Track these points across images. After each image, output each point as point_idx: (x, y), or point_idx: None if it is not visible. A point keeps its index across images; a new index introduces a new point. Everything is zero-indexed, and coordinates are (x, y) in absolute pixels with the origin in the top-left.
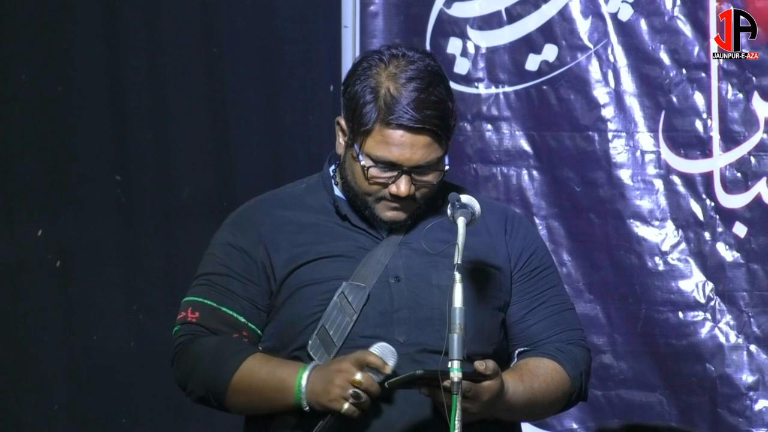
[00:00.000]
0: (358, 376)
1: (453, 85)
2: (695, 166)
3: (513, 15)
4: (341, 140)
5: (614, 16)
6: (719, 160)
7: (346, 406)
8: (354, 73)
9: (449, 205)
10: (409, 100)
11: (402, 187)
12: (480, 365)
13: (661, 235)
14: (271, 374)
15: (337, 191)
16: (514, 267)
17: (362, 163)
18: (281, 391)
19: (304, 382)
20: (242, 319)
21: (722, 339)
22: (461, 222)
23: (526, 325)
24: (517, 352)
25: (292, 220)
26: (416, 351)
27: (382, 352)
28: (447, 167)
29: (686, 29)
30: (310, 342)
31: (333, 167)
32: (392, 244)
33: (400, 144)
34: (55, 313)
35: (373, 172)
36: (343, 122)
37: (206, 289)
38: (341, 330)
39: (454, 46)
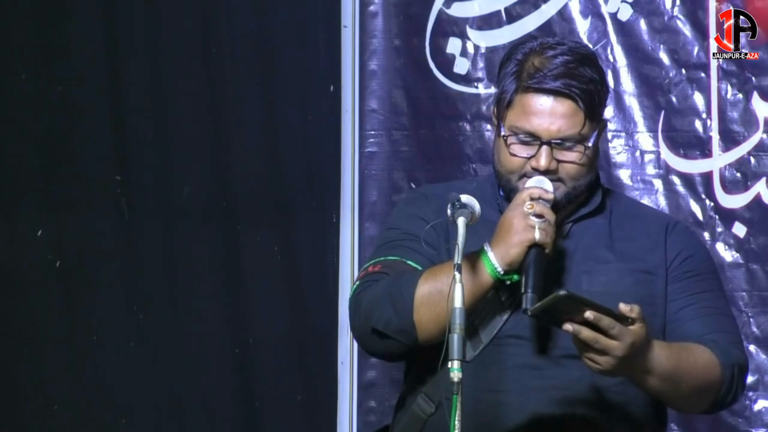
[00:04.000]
0: (529, 203)
1: (452, 85)
2: (695, 166)
3: (512, 15)
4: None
5: (614, 16)
6: (719, 160)
7: (537, 233)
8: (506, 55)
9: (449, 205)
10: (553, 68)
11: (542, 159)
12: (625, 307)
13: None
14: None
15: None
16: (669, 267)
17: (503, 133)
18: (469, 264)
19: (487, 248)
20: None
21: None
22: (461, 222)
23: (676, 325)
24: None
25: None
26: (560, 355)
27: (537, 182)
28: (590, 144)
29: (686, 29)
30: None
31: None
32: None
33: (539, 112)
34: (55, 313)
35: (514, 144)
36: (493, 108)
37: (387, 251)
38: (489, 327)
39: (453, 46)
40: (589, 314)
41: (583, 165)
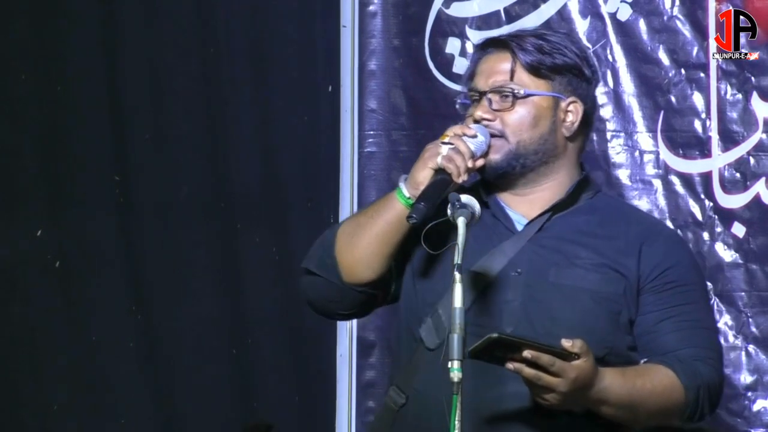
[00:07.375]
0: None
1: (451, 85)
2: (694, 166)
3: (512, 15)
4: None
5: (613, 16)
6: (718, 160)
7: (439, 158)
8: None
9: (449, 205)
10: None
11: (477, 110)
12: (566, 342)
13: None
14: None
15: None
16: (645, 279)
17: (460, 102)
18: (383, 200)
19: (401, 178)
20: None
21: (721, 339)
22: (461, 222)
23: (651, 337)
24: (642, 362)
25: None
26: None
27: (478, 128)
28: (524, 94)
29: (685, 29)
30: (423, 324)
31: None
32: (522, 239)
33: (482, 70)
34: (55, 313)
35: (465, 107)
36: None
37: None
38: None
39: (452, 45)
40: (527, 353)
41: (521, 117)
